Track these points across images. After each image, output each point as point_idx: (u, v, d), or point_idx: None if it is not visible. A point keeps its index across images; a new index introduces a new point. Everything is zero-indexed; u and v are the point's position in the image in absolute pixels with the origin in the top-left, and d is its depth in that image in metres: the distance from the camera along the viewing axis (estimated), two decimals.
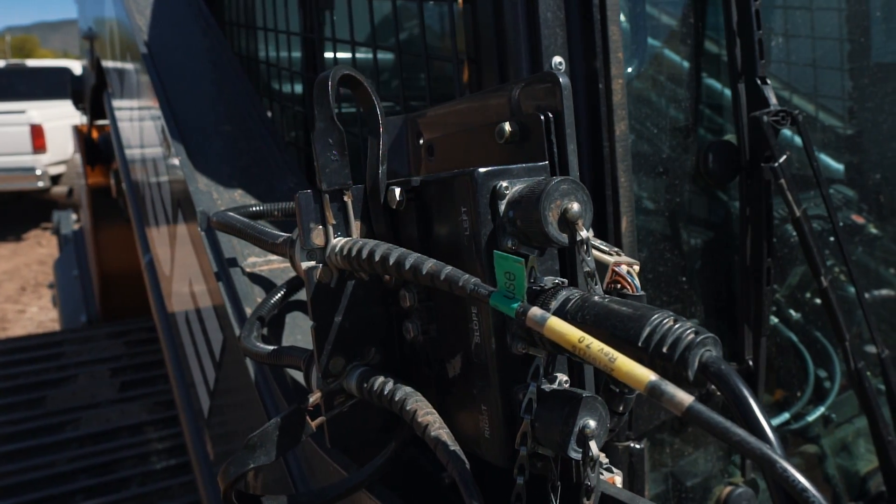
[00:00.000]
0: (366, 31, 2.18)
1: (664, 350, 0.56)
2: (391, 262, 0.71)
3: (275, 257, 1.52)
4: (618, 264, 0.93)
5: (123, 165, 3.00)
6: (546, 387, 0.73)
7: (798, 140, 1.70)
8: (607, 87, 1.29)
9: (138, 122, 2.47)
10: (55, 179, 12.41)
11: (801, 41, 1.87)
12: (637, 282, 0.92)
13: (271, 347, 1.13)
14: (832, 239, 1.76)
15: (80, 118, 6.10)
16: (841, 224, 1.72)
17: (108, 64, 3.44)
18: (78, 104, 5.57)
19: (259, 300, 1.40)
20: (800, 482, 0.47)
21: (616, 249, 0.96)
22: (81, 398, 3.92)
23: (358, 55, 1.79)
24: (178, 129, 1.83)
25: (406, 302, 0.83)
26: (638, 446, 1.38)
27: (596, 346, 0.55)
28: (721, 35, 1.59)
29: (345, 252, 0.80)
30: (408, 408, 0.73)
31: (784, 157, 1.42)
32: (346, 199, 0.84)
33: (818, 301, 1.89)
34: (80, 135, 5.46)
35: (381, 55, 1.73)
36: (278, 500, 0.85)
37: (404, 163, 1.09)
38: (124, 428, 3.68)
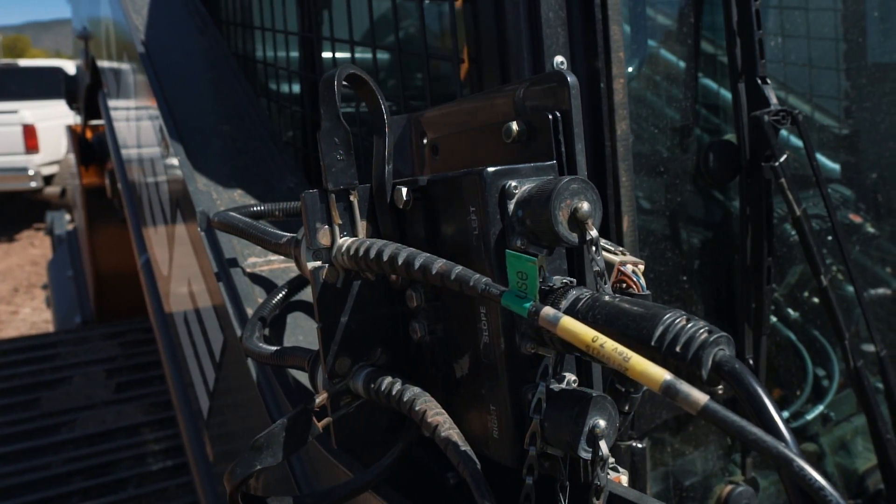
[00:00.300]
0: (363, 31, 2.18)
1: (677, 349, 0.56)
2: (400, 262, 0.71)
3: (275, 257, 1.51)
4: (623, 263, 0.93)
5: (119, 165, 2.98)
6: (555, 386, 0.73)
7: (794, 140, 1.71)
8: (609, 87, 1.29)
9: (135, 122, 2.45)
10: (48, 180, 12.34)
11: (796, 41, 1.88)
12: (643, 281, 0.92)
13: (274, 348, 1.13)
14: (829, 238, 1.77)
15: (73, 118, 6.07)
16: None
17: (103, 63, 3.43)
18: (72, 104, 5.54)
19: (260, 300, 1.39)
20: (817, 481, 0.47)
21: (621, 249, 0.96)
22: (77, 399, 3.90)
23: (354, 54, 1.79)
24: (176, 129, 1.82)
25: (413, 302, 0.83)
26: (640, 445, 1.38)
27: (610, 345, 0.54)
28: (717, 35, 1.60)
29: (352, 252, 0.79)
30: (417, 408, 0.73)
31: (784, 156, 1.43)
32: (352, 198, 0.84)
33: (816, 300, 1.89)
34: (75, 135, 5.43)
35: (367, 54, 1.72)
36: (284, 502, 0.85)
37: (408, 162, 1.09)
38: (120, 429, 3.66)
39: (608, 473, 0.78)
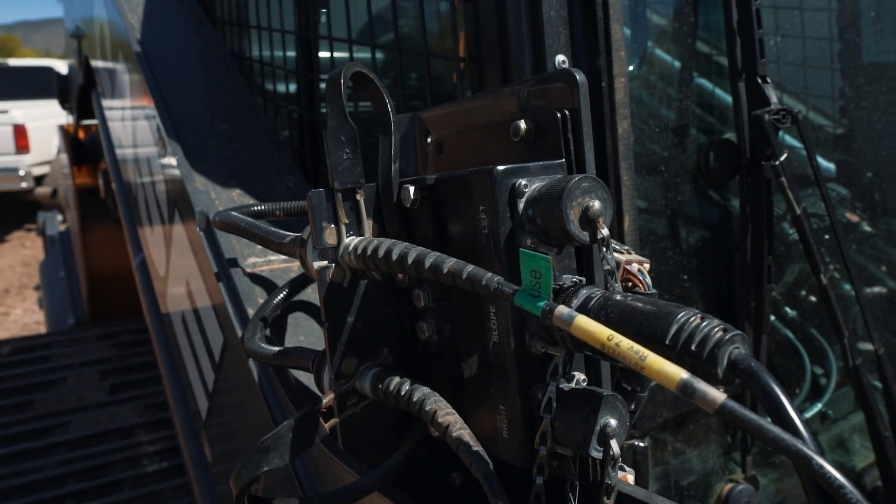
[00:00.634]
0: (360, 30, 2.17)
1: (693, 348, 0.56)
2: (410, 261, 0.71)
3: (275, 257, 1.51)
4: (629, 262, 0.92)
5: (114, 165, 2.96)
6: (564, 386, 0.73)
7: (789, 139, 1.71)
8: (610, 86, 1.29)
9: (130, 122, 2.44)
10: (39, 180, 12.26)
11: (790, 40, 1.88)
12: (648, 280, 0.92)
13: (276, 349, 1.12)
14: (827, 237, 1.78)
15: (65, 118, 6.03)
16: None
17: (97, 63, 3.40)
18: (64, 104, 5.50)
19: (260, 301, 1.38)
20: (837, 479, 0.46)
21: (627, 248, 0.96)
22: (70, 401, 3.87)
23: (346, 53, 1.78)
24: (174, 128, 1.81)
25: (420, 301, 0.82)
26: (642, 444, 1.38)
27: (626, 343, 0.54)
28: (716, 35, 1.60)
29: (359, 251, 0.79)
30: (427, 408, 0.72)
31: (784, 155, 1.43)
32: (358, 197, 0.83)
33: (814, 299, 1.90)
34: (67, 135, 5.39)
35: (365, 54, 1.72)
36: None
37: (411, 160, 1.09)
38: (115, 431, 3.63)
39: (618, 472, 0.78)
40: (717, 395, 0.51)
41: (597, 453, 0.68)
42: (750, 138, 1.47)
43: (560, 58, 1.27)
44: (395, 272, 0.76)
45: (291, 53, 2.17)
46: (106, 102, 3.18)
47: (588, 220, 0.67)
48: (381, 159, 0.85)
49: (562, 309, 0.58)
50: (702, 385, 0.51)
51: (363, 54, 2.45)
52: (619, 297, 0.65)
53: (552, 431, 0.71)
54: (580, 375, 0.75)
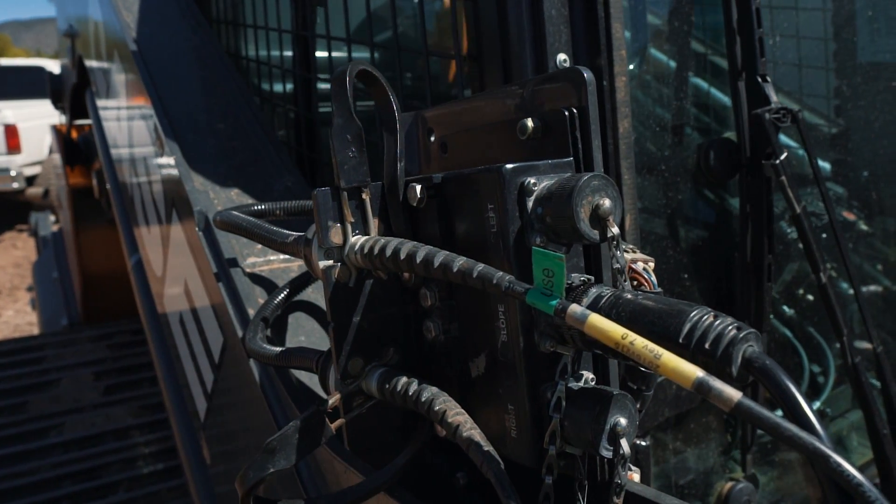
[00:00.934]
0: (357, 29, 2.16)
1: (707, 346, 0.56)
2: (419, 260, 0.70)
3: (274, 257, 1.50)
4: (634, 261, 0.92)
5: (108, 165, 2.94)
6: (573, 385, 0.72)
7: (784, 138, 1.72)
8: (611, 85, 1.29)
9: (126, 121, 2.42)
10: (30, 180, 12.19)
11: (786, 40, 1.89)
12: (654, 278, 0.92)
13: (279, 349, 1.12)
14: (824, 236, 1.78)
15: (57, 118, 5.99)
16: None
17: (91, 62, 3.38)
18: (57, 103, 5.46)
19: (260, 301, 1.38)
20: (855, 477, 0.46)
21: (631, 246, 0.96)
22: (65, 402, 3.84)
23: (343, 52, 1.78)
24: (171, 128, 1.79)
25: (427, 301, 0.82)
26: (644, 443, 1.38)
27: (640, 342, 0.54)
28: (709, 34, 1.61)
29: (366, 250, 0.78)
30: (436, 408, 0.72)
31: (785, 154, 1.43)
32: (364, 196, 0.83)
33: (811, 297, 1.91)
34: (60, 135, 5.36)
35: (362, 53, 1.71)
36: None
37: (414, 159, 1.08)
38: (110, 432, 3.61)
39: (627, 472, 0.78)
40: (734, 393, 0.51)
41: (607, 452, 0.68)
42: (750, 137, 1.47)
43: (561, 56, 1.27)
44: (403, 271, 0.76)
45: (288, 53, 2.16)
46: (100, 102, 3.15)
47: (598, 219, 0.67)
48: (386, 158, 0.84)
49: (575, 308, 0.58)
50: (717, 383, 0.51)
51: (360, 53, 2.45)
52: (629, 296, 0.65)
53: (561, 431, 0.70)
54: (588, 374, 0.75)
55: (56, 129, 5.53)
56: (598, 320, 0.56)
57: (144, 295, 2.37)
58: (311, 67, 2.03)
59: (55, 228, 6.82)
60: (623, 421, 0.68)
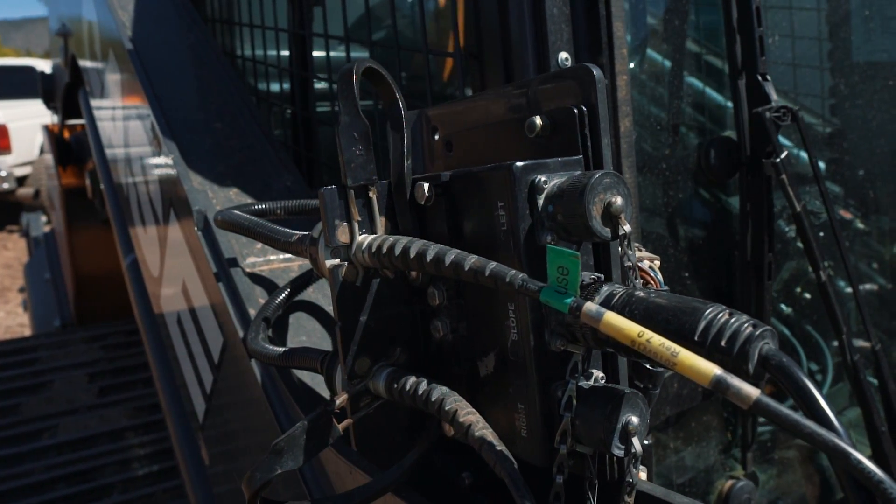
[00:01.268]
0: (353, 27, 2.15)
1: (723, 344, 0.56)
2: (429, 259, 0.70)
3: (274, 257, 1.49)
4: (640, 260, 0.92)
5: (103, 165, 2.92)
6: (584, 384, 0.72)
7: (781, 138, 1.72)
8: (612, 83, 1.29)
9: (122, 121, 2.40)
10: (21, 181, 12.09)
11: (781, 39, 1.90)
12: (660, 276, 0.92)
13: (281, 349, 1.11)
14: (822, 234, 1.79)
15: (48, 118, 5.94)
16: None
17: (85, 62, 3.36)
18: (49, 103, 5.41)
19: (261, 301, 1.37)
20: (876, 474, 0.46)
21: (638, 245, 0.96)
22: (58, 404, 3.81)
23: (340, 52, 1.77)
24: (168, 127, 1.78)
25: (435, 300, 0.81)
26: (646, 442, 1.38)
27: (657, 340, 0.54)
28: (701, 35, 1.61)
29: (373, 249, 0.78)
30: (447, 408, 0.72)
31: (785, 152, 1.44)
32: (371, 194, 0.82)
33: (809, 296, 1.92)
34: (52, 135, 5.32)
35: (359, 52, 1.71)
36: None
37: (418, 157, 1.08)
38: (104, 434, 3.58)
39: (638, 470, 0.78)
40: (752, 390, 0.51)
41: (619, 451, 0.67)
42: (750, 136, 1.48)
43: (563, 55, 1.27)
44: (411, 270, 0.75)
45: (285, 52, 2.15)
46: (94, 102, 3.13)
47: (610, 216, 0.66)
48: (392, 156, 0.84)
49: (590, 306, 0.57)
50: (735, 381, 0.51)
51: (357, 52, 2.44)
52: (641, 294, 0.64)
53: (573, 430, 0.70)
54: (598, 373, 0.75)
55: (48, 129, 5.49)
56: (613, 318, 0.56)
57: (140, 296, 2.36)
58: (308, 66, 2.02)
59: (47, 229, 6.77)
60: (635, 419, 0.67)
